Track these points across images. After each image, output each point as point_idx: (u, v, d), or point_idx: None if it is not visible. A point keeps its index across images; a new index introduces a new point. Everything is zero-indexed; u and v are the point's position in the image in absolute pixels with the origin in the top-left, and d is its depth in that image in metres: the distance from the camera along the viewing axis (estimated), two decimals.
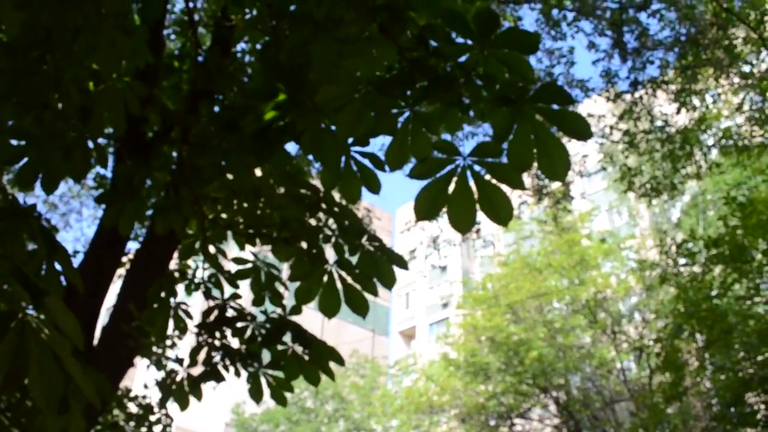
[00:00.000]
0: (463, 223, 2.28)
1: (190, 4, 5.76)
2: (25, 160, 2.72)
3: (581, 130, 2.12)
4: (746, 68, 11.06)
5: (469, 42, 2.28)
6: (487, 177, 2.29)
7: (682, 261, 14.91)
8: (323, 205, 2.66)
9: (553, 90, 2.12)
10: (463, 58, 2.28)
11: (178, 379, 3.19)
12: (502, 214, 2.23)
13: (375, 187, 2.86)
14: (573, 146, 11.55)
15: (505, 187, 2.30)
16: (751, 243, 11.74)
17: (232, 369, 3.00)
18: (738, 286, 13.07)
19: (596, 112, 11.27)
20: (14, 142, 2.76)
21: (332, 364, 3.00)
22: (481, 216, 2.35)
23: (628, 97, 10.45)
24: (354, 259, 2.64)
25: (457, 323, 23.40)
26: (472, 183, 2.28)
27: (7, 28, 2.49)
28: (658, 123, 10.89)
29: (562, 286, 20.61)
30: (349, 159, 2.85)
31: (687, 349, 15.49)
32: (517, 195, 11.85)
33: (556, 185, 11.30)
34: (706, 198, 18.24)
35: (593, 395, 20.18)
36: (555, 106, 2.13)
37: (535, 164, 2.30)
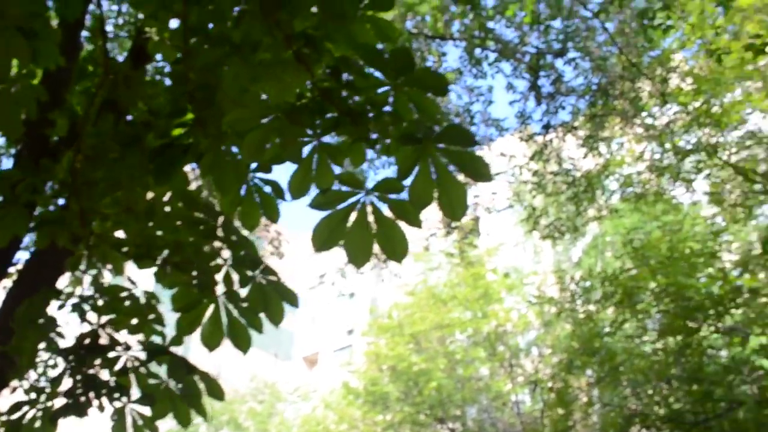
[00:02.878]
0: (360, 257, 2.26)
1: (104, 7, 5.51)
2: None
3: (481, 172, 2.15)
4: (649, 120, 11.74)
5: (382, 77, 2.28)
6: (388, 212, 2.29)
7: (578, 299, 15.50)
8: (220, 232, 2.56)
9: (456, 131, 2.14)
10: (374, 94, 2.27)
11: (30, 413, 2.90)
12: (397, 251, 2.23)
13: (274, 216, 2.79)
14: (484, 183, 11.83)
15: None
16: (642, 285, 12.34)
17: (96, 402, 2.78)
18: (628, 325, 13.69)
19: (509, 151, 11.62)
20: None
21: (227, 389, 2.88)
22: None
23: (539, 139, 10.83)
24: (245, 292, 2.55)
25: (362, 351, 23.31)
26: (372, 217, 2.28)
27: None
28: (566, 166, 11.33)
29: (465, 318, 20.94)
30: (250, 185, 2.78)
31: (578, 384, 16.03)
32: (426, 227, 12.04)
33: (465, 220, 11.51)
34: (605, 240, 19.09)
35: (488, 427, 20.49)
36: (458, 147, 2.16)
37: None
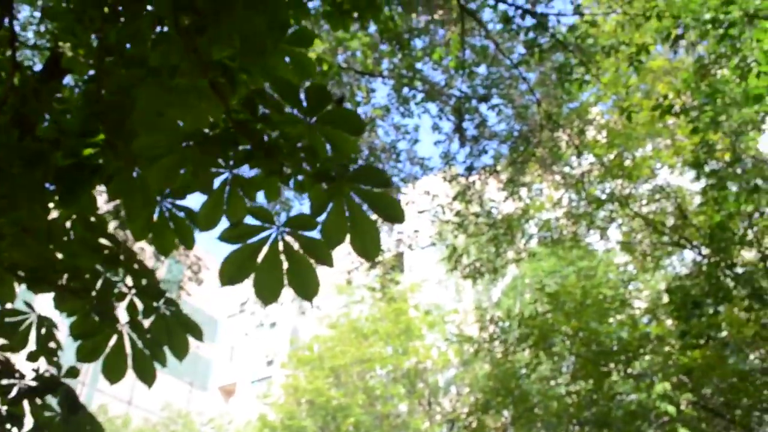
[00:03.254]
0: (269, 294, 2.22)
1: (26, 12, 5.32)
2: None
3: (395, 214, 2.17)
4: (567, 168, 12.20)
5: (298, 113, 2.28)
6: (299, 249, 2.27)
7: (496, 339, 15.72)
8: (122, 259, 2.47)
9: (371, 171, 2.15)
10: (289, 129, 2.27)
11: None
12: (308, 290, 2.21)
13: (188, 242, 2.72)
14: (407, 220, 12.00)
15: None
16: (556, 328, 12.66)
17: None
18: (544, 366, 13.96)
19: (433, 190, 11.81)
20: None
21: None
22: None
23: (463, 180, 11.06)
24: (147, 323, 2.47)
25: (280, 383, 22.89)
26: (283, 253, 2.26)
27: None
28: (487, 208, 11.60)
29: (386, 353, 20.92)
30: (162, 210, 2.71)
31: (494, 424, 16.16)
32: (349, 260, 12.05)
33: (387, 255, 11.58)
34: (524, 281, 19.54)
35: None
36: (372, 188, 2.17)
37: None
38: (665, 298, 12.37)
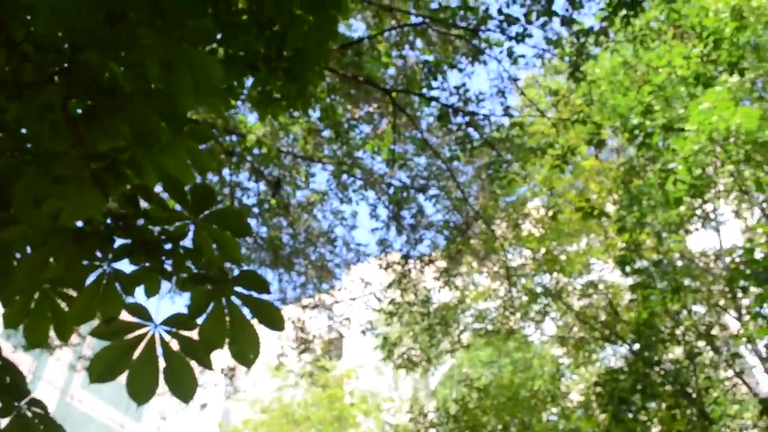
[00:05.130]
0: (142, 393, 2.11)
1: None
2: None
3: (275, 322, 2.11)
4: (503, 260, 12.31)
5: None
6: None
7: (431, 430, 15.34)
8: None
9: (252, 277, 2.10)
10: (172, 226, 2.20)
11: None
12: (184, 391, 2.11)
13: (64, 335, 2.56)
14: (339, 306, 11.88)
15: None
16: (484, 421, 12.43)
17: None
18: None
19: (368, 277, 11.74)
20: None
21: None
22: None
23: (398, 268, 11.04)
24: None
25: None
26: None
27: None
28: (422, 297, 11.56)
29: None
30: (41, 298, 2.56)
31: None
32: (279, 345, 11.76)
33: (318, 341, 11.34)
34: (461, 371, 19.30)
35: None
36: (254, 293, 2.11)
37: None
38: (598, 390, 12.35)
